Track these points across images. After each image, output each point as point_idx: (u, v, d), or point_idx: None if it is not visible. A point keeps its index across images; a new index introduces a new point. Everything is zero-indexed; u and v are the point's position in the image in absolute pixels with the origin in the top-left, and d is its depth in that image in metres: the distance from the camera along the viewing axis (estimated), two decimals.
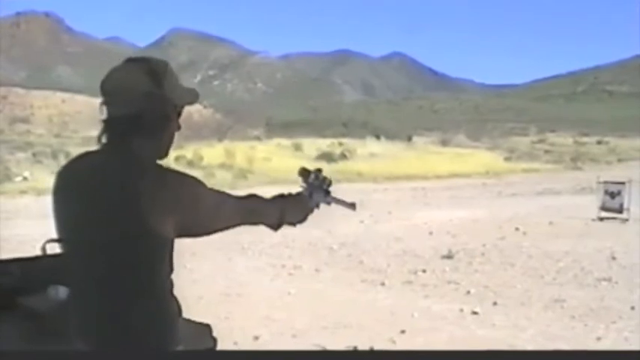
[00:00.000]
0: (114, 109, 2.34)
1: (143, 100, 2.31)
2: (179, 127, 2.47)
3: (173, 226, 2.26)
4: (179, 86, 2.45)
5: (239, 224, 2.57)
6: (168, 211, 2.24)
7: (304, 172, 2.89)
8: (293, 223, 2.80)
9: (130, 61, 2.42)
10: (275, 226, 2.75)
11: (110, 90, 2.35)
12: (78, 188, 2.34)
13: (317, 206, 2.88)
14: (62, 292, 2.99)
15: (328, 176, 2.94)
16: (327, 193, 2.92)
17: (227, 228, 2.53)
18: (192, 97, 2.51)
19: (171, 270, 2.37)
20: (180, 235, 2.38)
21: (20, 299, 3.12)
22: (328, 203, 2.94)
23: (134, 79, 2.33)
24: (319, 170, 2.93)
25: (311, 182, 2.86)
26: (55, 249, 3.12)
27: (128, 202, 2.21)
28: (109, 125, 2.35)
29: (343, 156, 52.90)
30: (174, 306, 2.39)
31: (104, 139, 2.36)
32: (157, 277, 2.32)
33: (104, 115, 2.35)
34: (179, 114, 2.47)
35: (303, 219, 2.81)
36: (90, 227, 2.27)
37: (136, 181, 2.23)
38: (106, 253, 2.26)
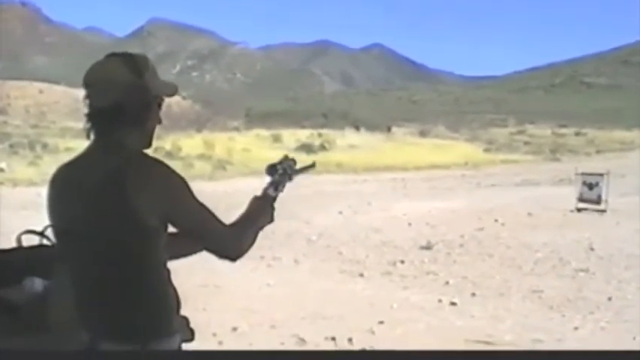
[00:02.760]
0: (97, 101, 2.40)
1: (125, 90, 2.37)
2: (160, 121, 2.54)
3: (160, 215, 2.31)
4: (158, 78, 2.51)
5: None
6: (154, 199, 2.29)
7: (271, 169, 2.89)
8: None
9: (111, 55, 2.47)
10: None
11: (92, 83, 2.41)
12: (72, 182, 2.40)
13: (282, 191, 2.89)
14: (38, 283, 2.97)
15: (291, 157, 2.95)
16: (292, 172, 2.93)
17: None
18: (172, 89, 2.57)
19: (166, 259, 2.42)
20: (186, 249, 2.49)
21: None
22: (291, 180, 2.94)
23: (115, 71, 2.39)
24: (286, 157, 2.94)
25: (277, 177, 2.87)
26: (30, 241, 3.10)
27: (113, 190, 2.27)
28: (94, 118, 2.41)
29: (323, 147, 52.71)
30: (171, 294, 2.45)
31: (92, 135, 2.42)
32: (151, 266, 2.37)
33: (88, 109, 2.41)
34: (159, 106, 2.52)
35: (271, 219, 2.81)
36: (83, 218, 2.33)
37: (123, 172, 2.28)
38: (101, 244, 2.32)
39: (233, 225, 2.57)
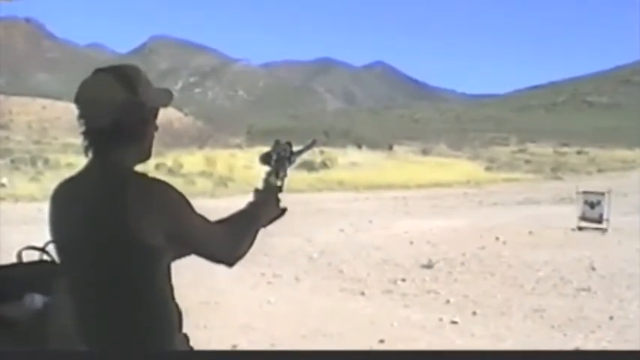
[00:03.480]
0: (93, 120, 2.34)
1: (121, 109, 2.31)
2: (157, 128, 2.49)
3: (162, 233, 2.28)
4: (153, 89, 2.46)
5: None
6: (155, 218, 2.26)
7: (266, 157, 2.77)
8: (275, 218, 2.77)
9: (101, 71, 2.41)
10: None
11: (86, 102, 2.36)
12: (73, 199, 2.37)
13: (285, 176, 2.77)
14: (38, 300, 2.96)
15: (284, 142, 2.81)
16: (291, 155, 2.82)
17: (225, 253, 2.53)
18: (167, 98, 2.51)
19: (170, 276, 2.40)
20: (179, 254, 2.44)
21: None
22: (293, 162, 2.82)
23: (109, 89, 2.33)
24: (277, 143, 2.81)
25: (274, 164, 2.76)
26: (31, 256, 3.09)
27: (115, 211, 2.24)
28: (91, 137, 2.36)
29: (324, 165, 52.63)
30: (174, 312, 2.42)
31: (90, 153, 2.38)
32: (153, 283, 2.34)
33: (83, 128, 2.36)
34: (155, 115, 2.48)
35: (281, 212, 2.77)
36: (84, 238, 2.31)
37: (123, 192, 2.26)
38: (100, 262, 2.30)
39: (233, 226, 2.55)
